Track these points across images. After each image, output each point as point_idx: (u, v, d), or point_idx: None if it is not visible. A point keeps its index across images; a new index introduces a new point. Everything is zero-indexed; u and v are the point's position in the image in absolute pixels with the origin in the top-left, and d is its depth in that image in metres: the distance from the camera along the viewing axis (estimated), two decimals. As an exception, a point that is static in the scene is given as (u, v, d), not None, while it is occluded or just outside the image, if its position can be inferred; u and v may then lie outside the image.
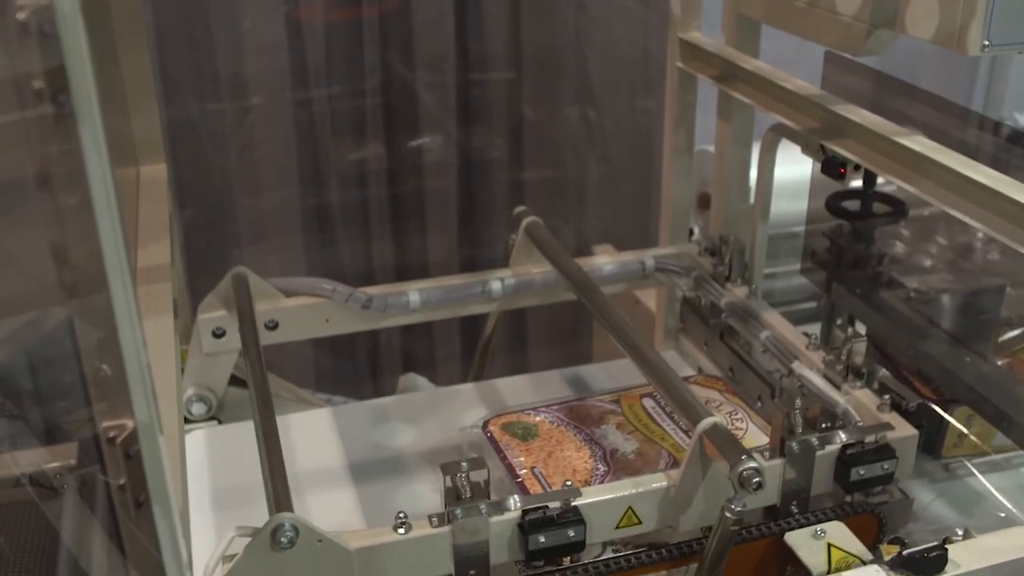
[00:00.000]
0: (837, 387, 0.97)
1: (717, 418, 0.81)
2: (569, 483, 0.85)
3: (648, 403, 1.07)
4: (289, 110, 1.83)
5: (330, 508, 1.04)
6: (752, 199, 1.18)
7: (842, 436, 0.88)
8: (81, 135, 0.47)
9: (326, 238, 1.94)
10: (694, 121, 1.26)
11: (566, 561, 0.84)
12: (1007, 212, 0.79)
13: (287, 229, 1.92)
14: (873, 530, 0.88)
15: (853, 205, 1.18)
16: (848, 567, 0.79)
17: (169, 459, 0.54)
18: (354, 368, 2.06)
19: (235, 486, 1.07)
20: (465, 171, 1.96)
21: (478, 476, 0.80)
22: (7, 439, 1.00)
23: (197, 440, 1.16)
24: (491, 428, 1.03)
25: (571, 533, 0.81)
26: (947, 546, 0.77)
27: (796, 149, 1.08)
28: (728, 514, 0.77)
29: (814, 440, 0.87)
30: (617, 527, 0.84)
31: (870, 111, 0.96)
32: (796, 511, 0.88)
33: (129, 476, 0.53)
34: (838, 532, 0.83)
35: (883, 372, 0.99)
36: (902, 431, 0.90)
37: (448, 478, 0.79)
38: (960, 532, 0.90)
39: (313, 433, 1.18)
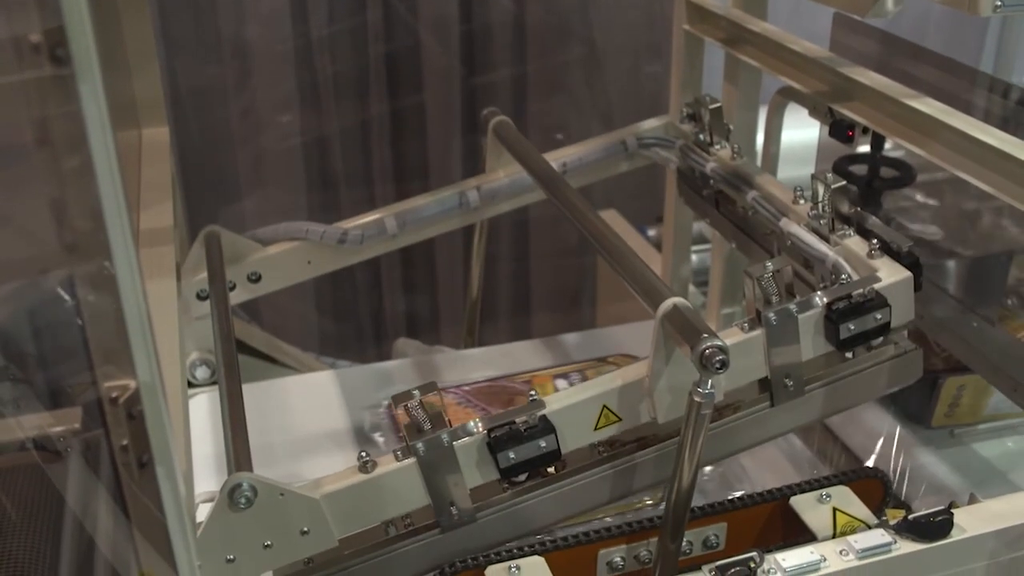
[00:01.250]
0: (826, 239, 0.91)
1: (678, 299, 0.77)
2: (535, 394, 0.81)
3: (560, 383, 1.05)
4: (291, 69, 1.82)
5: (334, 470, 1.04)
6: (759, 163, 1.17)
7: (820, 298, 0.82)
8: (80, 92, 0.47)
9: (329, 200, 1.93)
10: (701, 85, 1.24)
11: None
12: (1018, 175, 0.79)
13: (291, 191, 1.91)
14: (879, 495, 0.88)
15: (860, 169, 1.17)
16: (853, 531, 0.78)
17: (172, 420, 0.53)
18: (358, 332, 2.06)
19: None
20: (469, 136, 1.95)
21: (432, 403, 0.78)
22: (11, 403, 1.00)
23: (201, 404, 1.16)
24: (395, 409, 1.02)
25: (542, 444, 0.78)
26: (952, 511, 0.77)
27: (802, 114, 1.08)
28: (697, 398, 0.73)
29: (792, 307, 0.81)
30: (596, 428, 0.81)
31: (879, 74, 0.95)
32: (790, 382, 0.84)
33: (132, 436, 0.53)
34: (843, 496, 0.83)
35: (872, 218, 0.93)
36: (892, 276, 0.84)
37: (402, 410, 0.77)
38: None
39: (316, 396, 1.18)
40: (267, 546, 0.75)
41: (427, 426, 0.78)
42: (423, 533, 0.81)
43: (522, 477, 0.81)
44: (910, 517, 0.77)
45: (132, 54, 1.11)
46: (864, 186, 1.16)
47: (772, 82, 1.10)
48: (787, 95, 1.10)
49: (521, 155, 1.09)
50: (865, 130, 0.99)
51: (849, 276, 0.85)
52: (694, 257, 1.38)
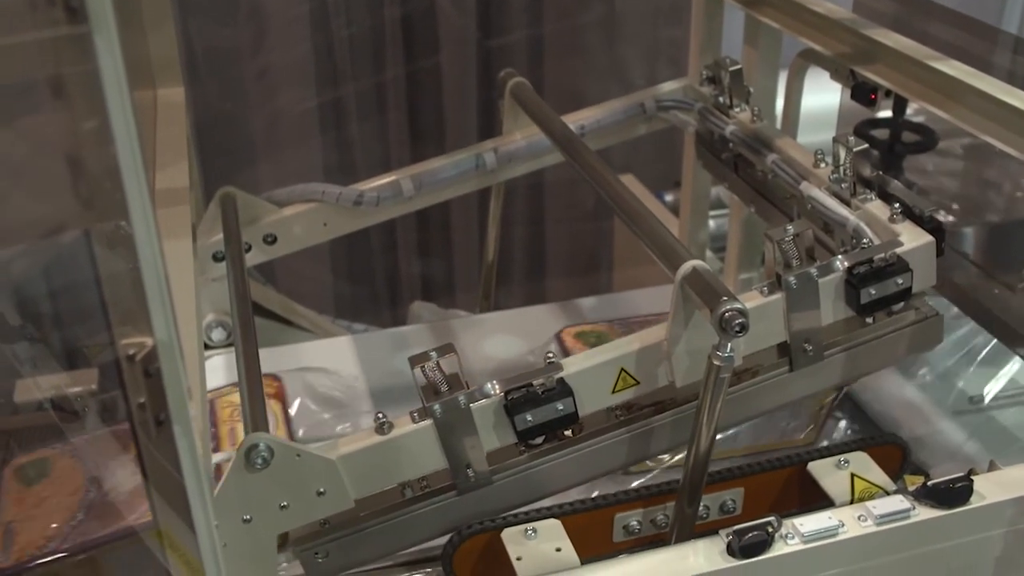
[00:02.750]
0: (847, 203, 0.90)
1: (697, 262, 0.76)
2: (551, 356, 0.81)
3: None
4: (307, 29, 1.81)
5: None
6: (779, 127, 1.16)
7: (841, 262, 0.81)
8: (96, 46, 0.46)
9: (345, 162, 1.92)
10: (720, 47, 1.23)
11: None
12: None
13: (306, 153, 1.90)
14: (897, 460, 0.88)
15: (882, 134, 1.16)
16: (871, 497, 0.78)
17: (188, 379, 0.53)
18: (373, 296, 2.06)
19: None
20: (486, 101, 1.94)
21: (449, 365, 0.77)
22: (29, 362, 1.01)
23: (216, 366, 1.16)
24: (563, 336, 1.00)
25: (559, 407, 0.78)
26: (972, 477, 0.77)
27: (821, 81, 1.06)
28: (716, 362, 0.72)
29: (813, 271, 0.80)
30: (614, 391, 0.81)
31: (902, 35, 0.94)
32: (809, 347, 0.83)
33: (149, 394, 0.52)
34: (861, 462, 0.82)
35: (894, 182, 0.93)
36: (914, 240, 0.83)
37: (419, 371, 0.77)
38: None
39: (333, 360, 1.18)
40: (283, 507, 0.75)
41: (444, 387, 0.77)
42: (439, 495, 0.80)
43: (539, 440, 0.81)
44: (929, 483, 0.76)
45: (147, 13, 1.10)
46: (886, 151, 1.15)
47: (793, 44, 1.09)
48: (808, 58, 1.09)
49: (539, 117, 1.08)
50: (888, 93, 0.97)
51: (871, 240, 0.84)
52: (711, 222, 1.37)
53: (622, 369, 0.80)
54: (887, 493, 0.79)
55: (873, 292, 0.81)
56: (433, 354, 0.77)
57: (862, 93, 0.98)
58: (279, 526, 0.77)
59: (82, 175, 0.73)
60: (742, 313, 0.70)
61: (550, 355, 0.80)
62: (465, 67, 1.91)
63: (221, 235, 1.09)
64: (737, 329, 0.70)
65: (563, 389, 0.78)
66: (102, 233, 0.62)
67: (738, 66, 1.09)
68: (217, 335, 1.17)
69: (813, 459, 0.83)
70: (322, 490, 0.76)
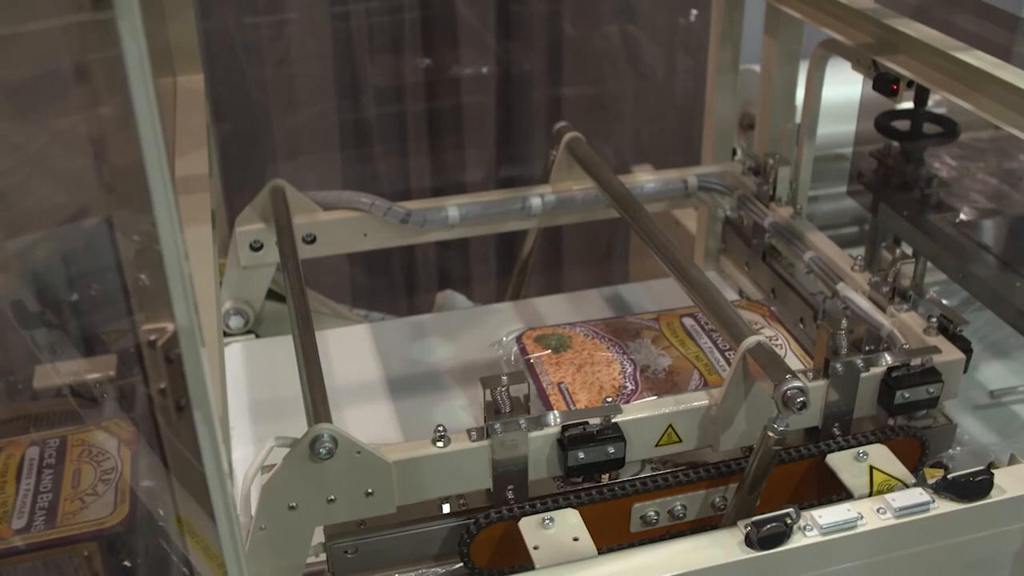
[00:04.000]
0: (883, 309, 0.94)
1: (761, 337, 0.79)
2: (610, 400, 0.84)
3: (688, 321, 1.05)
4: (326, 23, 1.81)
5: (367, 422, 1.05)
6: (798, 118, 1.15)
7: (887, 358, 0.86)
8: (120, 31, 0.46)
9: (363, 154, 1.92)
10: (740, 37, 1.22)
11: (605, 478, 0.84)
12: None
13: (324, 145, 1.90)
14: (916, 453, 0.87)
15: (903, 125, 1.15)
16: (890, 490, 0.78)
17: (208, 366, 0.53)
18: (391, 285, 2.06)
19: (272, 399, 1.08)
20: (504, 88, 1.93)
21: (518, 391, 0.79)
22: (47, 348, 1.01)
23: (235, 353, 1.16)
24: (524, 340, 1.02)
25: (611, 450, 0.80)
26: (992, 471, 0.76)
27: (841, 72, 1.05)
28: (771, 433, 0.76)
29: (859, 362, 0.85)
30: (657, 445, 0.83)
31: (926, 25, 0.93)
32: (837, 433, 0.87)
33: (170, 380, 0.52)
34: (880, 455, 0.82)
35: (930, 294, 0.96)
36: (948, 354, 0.88)
37: (488, 392, 0.79)
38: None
39: (351, 348, 1.18)
40: (331, 500, 0.76)
41: (506, 409, 0.79)
42: (475, 515, 0.81)
43: (579, 478, 0.83)
44: (949, 476, 0.76)
45: (168, 1, 1.11)
46: (907, 142, 1.14)
47: (814, 34, 1.08)
48: (830, 48, 1.08)
49: (594, 173, 1.11)
50: (910, 84, 0.97)
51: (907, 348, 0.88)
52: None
53: (670, 425, 0.83)
54: (906, 486, 0.78)
55: (907, 396, 0.85)
56: (505, 379, 0.79)
57: (884, 84, 0.98)
58: (321, 518, 0.78)
59: (103, 161, 0.73)
60: (803, 392, 0.74)
61: (608, 399, 0.83)
62: (483, 52, 1.91)
63: (261, 224, 1.10)
64: (799, 406, 0.74)
65: (617, 433, 0.81)
66: (123, 219, 0.63)
67: (787, 163, 1.13)
68: (235, 323, 1.17)
69: (832, 451, 0.83)
70: (371, 491, 0.77)
